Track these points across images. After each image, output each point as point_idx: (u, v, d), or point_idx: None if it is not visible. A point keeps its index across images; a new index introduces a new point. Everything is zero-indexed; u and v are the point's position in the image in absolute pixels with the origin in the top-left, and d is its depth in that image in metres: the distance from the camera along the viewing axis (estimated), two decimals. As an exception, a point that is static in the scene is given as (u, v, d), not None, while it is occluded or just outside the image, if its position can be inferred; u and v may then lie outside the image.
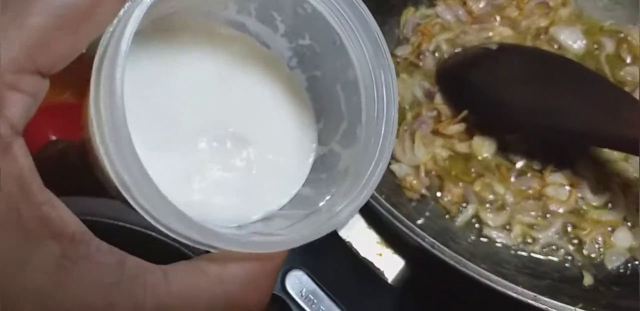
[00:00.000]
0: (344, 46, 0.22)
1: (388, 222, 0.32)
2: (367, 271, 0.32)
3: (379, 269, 0.33)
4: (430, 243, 0.31)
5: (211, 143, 0.22)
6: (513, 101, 0.46)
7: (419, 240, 0.31)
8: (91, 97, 0.18)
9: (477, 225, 0.48)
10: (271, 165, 0.23)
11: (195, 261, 0.20)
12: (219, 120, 0.22)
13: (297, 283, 0.28)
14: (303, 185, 0.23)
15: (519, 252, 0.46)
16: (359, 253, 0.33)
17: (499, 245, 0.46)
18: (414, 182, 0.48)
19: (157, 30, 0.22)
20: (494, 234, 0.47)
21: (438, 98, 0.53)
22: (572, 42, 0.57)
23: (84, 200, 0.31)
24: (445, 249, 0.31)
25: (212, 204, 0.20)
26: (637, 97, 0.53)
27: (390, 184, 0.49)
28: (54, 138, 0.52)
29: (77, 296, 0.17)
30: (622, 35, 0.56)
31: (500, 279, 0.30)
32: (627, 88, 0.54)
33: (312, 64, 0.24)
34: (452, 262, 0.31)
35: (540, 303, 0.29)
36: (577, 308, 0.32)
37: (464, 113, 0.49)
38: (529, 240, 0.47)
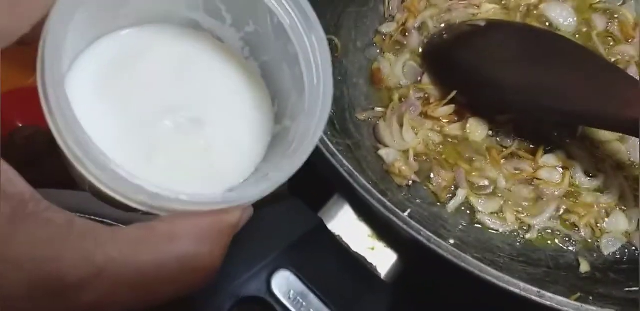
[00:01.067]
0: (280, 23, 0.24)
1: (380, 214, 0.30)
2: (358, 267, 0.30)
3: (371, 264, 0.31)
4: (427, 236, 0.29)
5: (171, 125, 0.24)
6: (504, 80, 0.43)
7: (414, 233, 0.29)
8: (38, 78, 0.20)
9: (468, 212, 0.46)
10: (230, 146, 0.25)
11: (146, 222, 0.21)
12: (178, 105, 0.25)
13: (284, 284, 0.26)
14: (262, 162, 0.25)
15: (513, 239, 0.45)
16: (349, 248, 0.31)
17: (492, 231, 0.45)
18: (403, 167, 0.46)
19: (126, 27, 0.26)
20: (487, 220, 0.45)
21: (426, 79, 0.50)
22: (563, 19, 0.55)
23: (52, 193, 0.29)
24: (442, 243, 0.29)
25: (174, 181, 0.22)
26: (634, 73, 0.51)
27: (378, 171, 0.47)
28: (20, 125, 0.49)
29: (27, 250, 0.18)
30: (612, 12, 0.54)
31: (502, 274, 0.28)
32: (619, 66, 0.52)
33: (260, 50, 0.27)
34: (450, 257, 0.28)
35: (545, 300, 0.27)
36: (583, 305, 0.30)
37: (453, 94, 0.47)
38: (524, 227, 0.45)
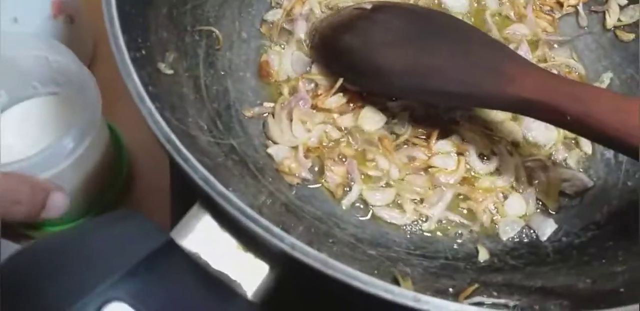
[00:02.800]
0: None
1: (240, 222, 0.27)
2: (219, 287, 0.26)
3: (235, 281, 0.27)
4: (290, 244, 0.26)
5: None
6: (387, 63, 0.41)
7: (276, 241, 0.26)
8: None
9: (362, 207, 0.43)
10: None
11: None
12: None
13: (118, 322, 0.22)
14: None
15: (411, 232, 0.43)
16: (208, 266, 0.27)
17: (388, 225, 0.43)
18: (293, 165, 0.43)
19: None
20: (384, 214, 0.43)
21: (315, 69, 0.48)
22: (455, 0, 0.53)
23: None
24: (309, 250, 0.26)
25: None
26: (522, 54, 0.50)
27: (269, 170, 0.44)
28: None
29: None
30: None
31: (373, 279, 0.25)
32: (512, 46, 0.51)
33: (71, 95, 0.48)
34: (316, 264, 0.26)
35: (422, 304, 0.25)
36: (464, 303, 0.28)
37: (340, 82, 0.44)
38: (422, 218, 0.43)
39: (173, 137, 0.28)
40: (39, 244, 0.25)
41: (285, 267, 0.28)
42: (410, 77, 0.40)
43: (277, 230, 0.26)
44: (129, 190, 0.52)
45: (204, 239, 0.28)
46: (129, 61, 0.31)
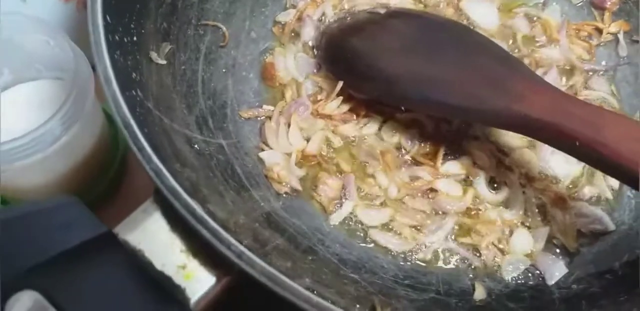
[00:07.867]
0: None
1: (188, 222, 0.23)
2: (158, 290, 0.23)
3: (178, 287, 0.24)
4: (238, 252, 0.22)
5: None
6: (391, 71, 0.38)
7: (222, 247, 0.23)
8: None
9: (355, 226, 0.39)
10: None
11: None
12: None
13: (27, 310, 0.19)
14: None
15: (403, 259, 0.38)
16: (152, 265, 0.24)
17: (380, 249, 0.38)
18: (282, 172, 0.39)
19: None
20: (380, 237, 0.39)
21: (321, 72, 0.45)
22: (485, 18, 0.50)
23: None
24: (257, 261, 0.22)
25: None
26: (550, 81, 0.46)
27: (257, 175, 0.40)
28: None
29: None
30: (534, 16, 0.50)
31: (322, 301, 0.21)
32: (541, 70, 0.47)
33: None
34: (262, 278, 0.22)
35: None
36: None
37: (340, 85, 0.41)
38: (420, 245, 0.39)
39: (133, 123, 0.26)
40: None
41: (233, 279, 0.25)
42: (412, 86, 0.37)
43: (225, 235, 0.23)
44: (122, 181, 0.50)
45: (151, 237, 0.25)
46: (104, 42, 0.29)
